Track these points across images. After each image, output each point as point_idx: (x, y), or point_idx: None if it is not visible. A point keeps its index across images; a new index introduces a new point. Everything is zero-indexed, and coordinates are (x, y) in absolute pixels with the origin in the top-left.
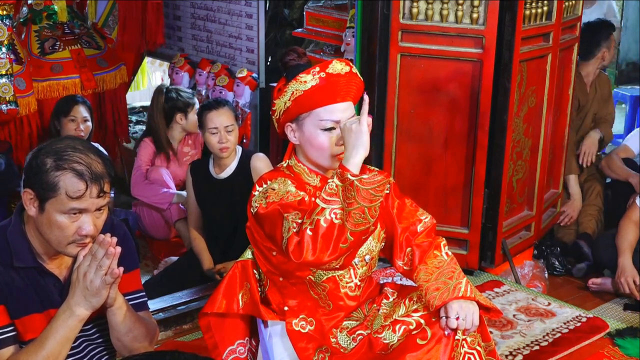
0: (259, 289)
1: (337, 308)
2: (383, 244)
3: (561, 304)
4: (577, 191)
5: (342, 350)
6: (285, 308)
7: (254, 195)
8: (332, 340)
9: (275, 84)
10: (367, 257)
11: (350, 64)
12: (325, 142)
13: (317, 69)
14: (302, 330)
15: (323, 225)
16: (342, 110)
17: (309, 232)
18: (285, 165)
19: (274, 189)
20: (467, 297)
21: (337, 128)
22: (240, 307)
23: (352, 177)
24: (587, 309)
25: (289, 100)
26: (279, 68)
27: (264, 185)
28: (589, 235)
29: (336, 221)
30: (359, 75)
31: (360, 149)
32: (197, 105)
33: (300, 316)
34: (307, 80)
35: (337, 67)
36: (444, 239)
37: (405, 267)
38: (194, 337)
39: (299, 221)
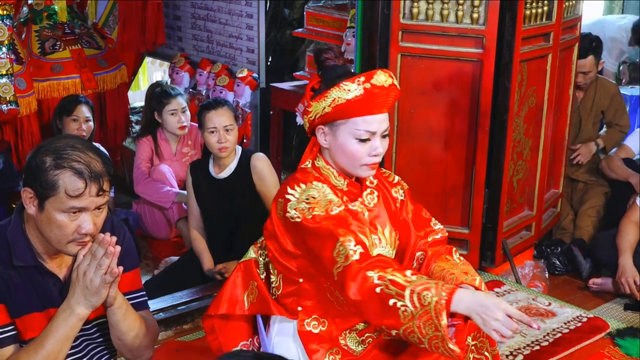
0: (270, 291)
1: (353, 313)
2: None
3: (562, 304)
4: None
5: (350, 352)
6: (299, 308)
7: (289, 199)
8: (342, 342)
9: (275, 84)
10: None
11: (392, 75)
12: (358, 151)
13: (362, 78)
14: (314, 330)
15: (389, 303)
16: (379, 122)
17: (377, 289)
18: (310, 165)
19: (314, 198)
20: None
21: (372, 139)
22: (246, 307)
23: (441, 327)
24: (588, 309)
25: (329, 106)
26: (280, 68)
27: (298, 189)
28: (583, 242)
29: (400, 312)
30: (397, 86)
31: (489, 323)
32: (171, 105)
33: (313, 316)
34: (351, 89)
35: (382, 78)
36: (454, 246)
37: None
38: (194, 337)
39: (355, 248)
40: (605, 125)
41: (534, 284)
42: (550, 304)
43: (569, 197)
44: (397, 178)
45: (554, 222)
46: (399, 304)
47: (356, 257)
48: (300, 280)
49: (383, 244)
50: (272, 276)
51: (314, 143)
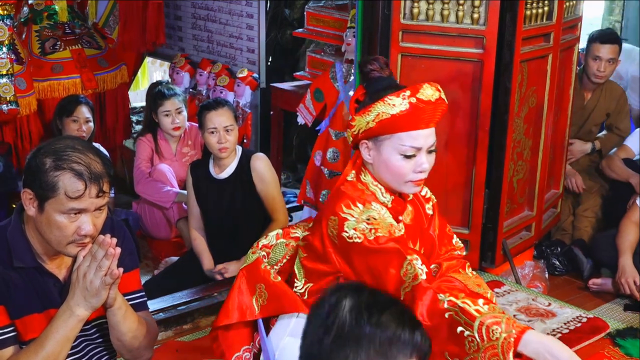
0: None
1: None
2: None
3: (561, 304)
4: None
5: None
6: None
7: (346, 218)
8: None
9: (275, 84)
10: None
11: (440, 88)
12: (402, 167)
13: (408, 92)
14: None
15: (457, 330)
16: (425, 137)
17: (446, 315)
18: (354, 179)
19: (375, 219)
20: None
21: (417, 155)
22: (257, 312)
23: None
24: (588, 309)
25: (373, 121)
26: (281, 68)
27: (356, 209)
28: (584, 242)
29: (466, 342)
30: (445, 99)
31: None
32: (165, 107)
33: None
34: (396, 104)
35: (428, 92)
36: (467, 261)
37: None
38: (194, 337)
39: (422, 267)
40: (605, 128)
41: (533, 284)
42: (550, 304)
43: (570, 198)
44: (428, 192)
45: (554, 223)
46: (466, 333)
47: (424, 276)
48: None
49: None
50: (297, 281)
51: (357, 156)
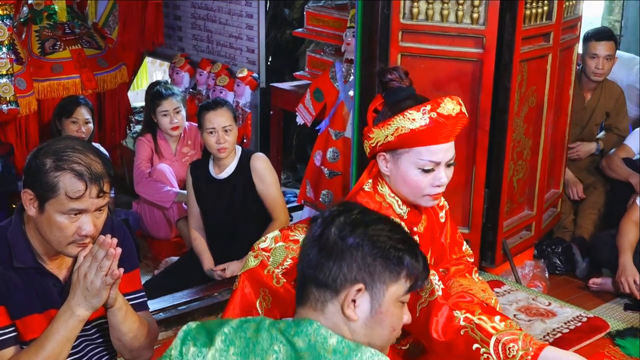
0: None
1: None
2: None
3: (562, 303)
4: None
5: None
6: None
7: None
8: None
9: (275, 84)
10: None
11: (461, 102)
12: (420, 182)
13: (428, 107)
14: None
15: (473, 347)
16: (444, 151)
17: (461, 331)
18: (371, 189)
19: None
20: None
21: (436, 169)
22: (261, 315)
23: None
24: (588, 308)
25: (392, 135)
26: (280, 68)
27: None
28: (584, 240)
29: (482, 359)
30: (466, 113)
31: None
32: (163, 106)
33: None
34: (416, 118)
35: (449, 107)
36: (475, 267)
37: None
38: None
39: (439, 283)
40: (604, 129)
41: (534, 283)
42: (550, 303)
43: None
44: (442, 199)
45: (554, 222)
46: (482, 350)
47: (440, 292)
48: None
49: None
50: None
51: (373, 164)
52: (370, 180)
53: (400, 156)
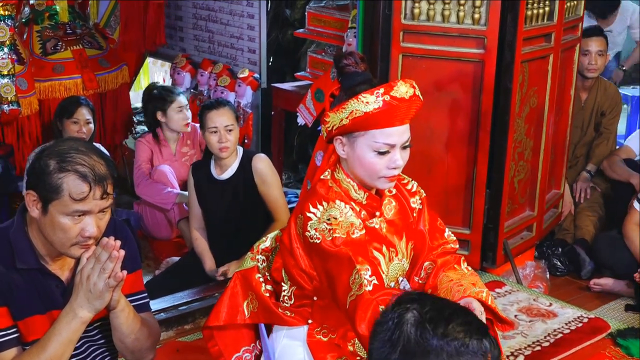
0: (280, 298)
1: None
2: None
3: (562, 304)
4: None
5: (358, 358)
6: (310, 321)
7: (310, 217)
8: (350, 349)
9: (276, 84)
10: (400, 279)
11: (415, 85)
12: (376, 164)
13: (382, 90)
14: (323, 338)
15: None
16: (399, 134)
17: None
18: (329, 177)
19: (336, 219)
20: (486, 304)
21: (391, 151)
22: (247, 316)
23: None
24: (589, 309)
25: (347, 118)
26: (282, 69)
27: (320, 208)
28: (586, 241)
29: None
30: (420, 96)
31: None
32: (178, 102)
33: (324, 325)
34: (370, 101)
35: (402, 90)
36: (462, 256)
37: (420, 281)
38: (196, 337)
39: (370, 279)
40: (594, 129)
41: (535, 284)
42: (551, 304)
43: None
44: (415, 185)
45: (555, 223)
46: None
47: (369, 287)
48: (315, 298)
49: (400, 257)
50: (283, 284)
51: (331, 152)
52: (329, 170)
53: (356, 139)
